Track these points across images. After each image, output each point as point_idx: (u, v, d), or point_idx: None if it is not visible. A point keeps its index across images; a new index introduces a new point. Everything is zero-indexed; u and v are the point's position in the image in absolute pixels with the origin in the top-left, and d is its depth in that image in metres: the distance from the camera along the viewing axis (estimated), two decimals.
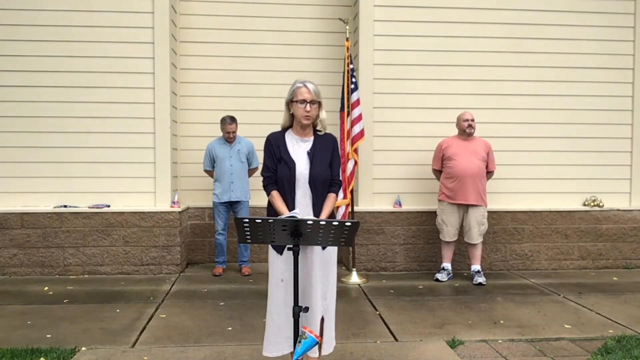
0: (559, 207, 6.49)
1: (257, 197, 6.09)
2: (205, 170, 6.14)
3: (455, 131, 5.90)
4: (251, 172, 6.09)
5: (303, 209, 3.02)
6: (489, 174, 5.85)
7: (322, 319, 3.09)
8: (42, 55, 5.94)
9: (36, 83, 5.96)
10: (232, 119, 5.87)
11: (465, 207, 5.72)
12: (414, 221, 6.29)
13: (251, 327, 4.21)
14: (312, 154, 3.08)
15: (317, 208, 3.06)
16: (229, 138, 5.92)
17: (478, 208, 5.69)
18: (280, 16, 6.62)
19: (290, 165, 3.04)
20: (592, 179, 6.58)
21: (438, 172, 5.93)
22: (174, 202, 6.10)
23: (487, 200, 5.77)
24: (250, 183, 6.05)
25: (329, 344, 3.17)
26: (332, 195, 3.14)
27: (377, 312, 4.65)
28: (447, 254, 5.89)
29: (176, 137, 6.43)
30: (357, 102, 5.74)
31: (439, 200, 5.86)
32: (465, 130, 5.71)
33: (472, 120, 5.72)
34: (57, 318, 4.41)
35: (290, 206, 3.01)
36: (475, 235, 5.72)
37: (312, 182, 3.04)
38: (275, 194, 3.08)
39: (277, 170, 3.08)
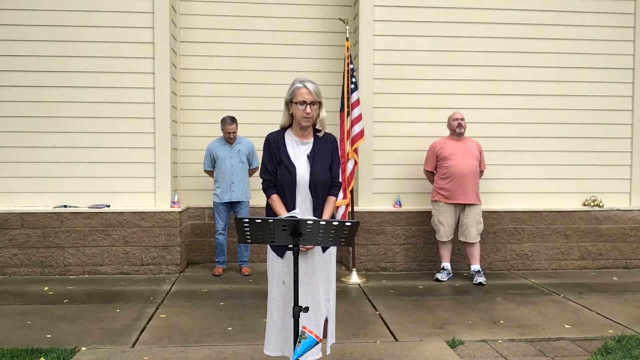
0: (559, 207, 6.49)
1: (258, 197, 6.08)
2: (206, 171, 6.14)
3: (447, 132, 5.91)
4: (252, 172, 6.08)
5: (304, 214, 2.98)
6: (480, 173, 5.86)
7: (326, 321, 3.10)
8: (42, 55, 5.94)
9: (36, 83, 5.96)
10: (232, 120, 5.87)
11: (461, 207, 5.73)
12: (414, 221, 6.29)
13: (251, 327, 4.21)
14: (312, 157, 3.03)
15: (317, 213, 3.03)
16: (229, 138, 5.92)
17: (475, 207, 5.70)
18: (280, 16, 6.62)
19: (291, 169, 2.99)
20: (592, 179, 6.57)
21: (430, 174, 5.92)
22: (174, 202, 6.09)
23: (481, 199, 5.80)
24: (250, 183, 6.05)
25: (329, 343, 3.17)
26: (332, 198, 3.11)
27: (377, 312, 4.65)
28: (446, 254, 5.89)
29: (176, 137, 6.43)
30: (357, 102, 5.74)
31: (434, 201, 5.85)
32: (455, 129, 5.72)
33: (462, 119, 5.73)
34: (57, 318, 4.41)
35: (291, 210, 2.97)
36: (474, 235, 5.72)
37: (313, 186, 3.01)
38: (275, 197, 3.04)
39: (276, 173, 3.03)
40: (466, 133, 5.85)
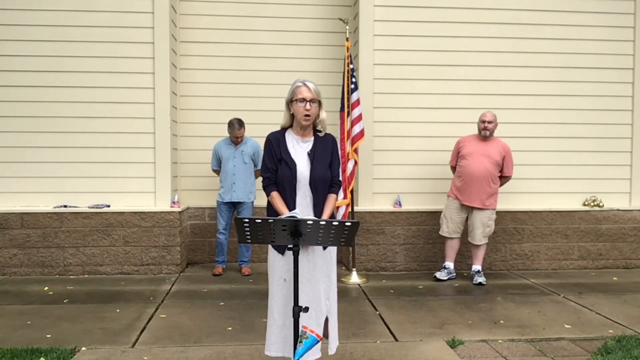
0: (559, 207, 6.49)
1: (262, 198, 6.06)
2: (213, 170, 6.14)
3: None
4: (257, 173, 6.06)
5: (304, 211, 3.01)
6: (504, 178, 5.76)
7: (327, 319, 3.10)
8: (42, 55, 5.94)
9: (36, 83, 5.96)
10: (240, 124, 5.82)
11: (470, 208, 5.71)
12: (414, 221, 6.29)
13: (251, 327, 4.22)
14: (312, 155, 3.07)
15: (317, 209, 3.05)
16: (236, 141, 5.92)
17: (483, 211, 5.65)
18: (280, 16, 6.62)
19: (291, 166, 3.03)
20: (592, 179, 6.57)
21: (454, 169, 5.91)
22: (174, 202, 6.09)
23: (496, 204, 5.70)
24: (256, 184, 6.03)
25: (334, 344, 3.17)
26: (332, 196, 3.14)
27: (377, 312, 4.65)
28: (450, 253, 5.86)
29: (176, 137, 6.43)
30: (357, 102, 5.74)
31: (447, 196, 5.85)
32: (481, 131, 5.69)
33: (489, 122, 5.61)
34: (57, 318, 4.41)
35: (291, 207, 3.00)
36: (478, 237, 5.71)
37: (313, 183, 3.04)
38: (275, 194, 3.07)
39: (277, 170, 3.07)
40: (471, 132, 5.84)
